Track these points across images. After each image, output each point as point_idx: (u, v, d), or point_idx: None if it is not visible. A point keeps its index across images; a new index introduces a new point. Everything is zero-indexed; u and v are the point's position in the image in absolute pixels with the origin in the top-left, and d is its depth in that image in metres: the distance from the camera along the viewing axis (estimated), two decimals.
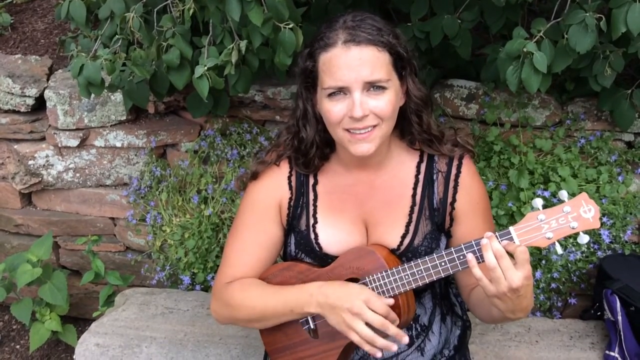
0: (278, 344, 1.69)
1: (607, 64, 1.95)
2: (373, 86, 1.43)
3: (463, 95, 2.37)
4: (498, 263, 1.35)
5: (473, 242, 1.42)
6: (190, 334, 2.22)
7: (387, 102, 1.45)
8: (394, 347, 1.44)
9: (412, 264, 1.49)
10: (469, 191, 1.61)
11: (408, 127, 1.58)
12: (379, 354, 1.46)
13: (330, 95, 1.45)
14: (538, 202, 1.40)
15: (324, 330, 1.60)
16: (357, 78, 1.41)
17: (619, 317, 2.05)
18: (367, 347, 1.44)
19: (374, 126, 1.46)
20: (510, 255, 1.37)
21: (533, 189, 2.27)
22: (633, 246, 2.26)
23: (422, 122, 1.57)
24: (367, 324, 1.43)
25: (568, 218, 1.38)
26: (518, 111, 2.33)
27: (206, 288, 2.52)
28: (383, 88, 1.45)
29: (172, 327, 2.26)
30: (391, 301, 1.47)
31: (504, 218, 2.25)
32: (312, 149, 1.59)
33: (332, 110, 1.45)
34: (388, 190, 1.62)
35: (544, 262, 2.23)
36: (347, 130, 1.46)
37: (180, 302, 2.41)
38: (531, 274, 1.37)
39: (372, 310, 1.43)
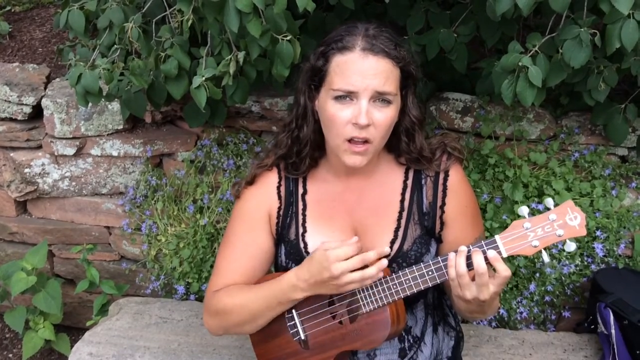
0: (270, 355, 1.69)
1: (601, 78, 1.97)
2: (380, 98, 1.45)
3: (458, 108, 2.38)
4: (476, 278, 1.38)
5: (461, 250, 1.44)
6: (184, 344, 2.22)
7: (388, 117, 1.48)
8: (385, 262, 1.47)
9: (400, 273, 1.50)
10: (458, 195, 1.63)
11: (397, 144, 1.59)
12: (381, 274, 1.48)
13: (337, 97, 1.46)
14: (524, 210, 1.40)
15: (315, 340, 1.61)
16: (369, 86, 1.43)
17: (613, 331, 2.05)
18: (368, 282, 1.48)
19: (369, 142, 1.47)
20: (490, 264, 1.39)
21: (527, 202, 2.27)
22: (626, 260, 2.26)
23: (414, 142, 1.59)
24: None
25: (554, 226, 1.38)
26: (513, 125, 2.34)
27: (200, 298, 2.51)
28: (388, 102, 1.47)
29: (166, 337, 2.26)
30: (355, 238, 1.50)
31: (498, 231, 2.24)
32: (305, 148, 1.60)
33: (337, 114, 1.46)
34: (377, 197, 1.64)
35: (538, 275, 2.23)
36: (348, 140, 1.47)
37: (174, 312, 2.41)
38: (501, 290, 1.40)
39: (346, 259, 1.45)
